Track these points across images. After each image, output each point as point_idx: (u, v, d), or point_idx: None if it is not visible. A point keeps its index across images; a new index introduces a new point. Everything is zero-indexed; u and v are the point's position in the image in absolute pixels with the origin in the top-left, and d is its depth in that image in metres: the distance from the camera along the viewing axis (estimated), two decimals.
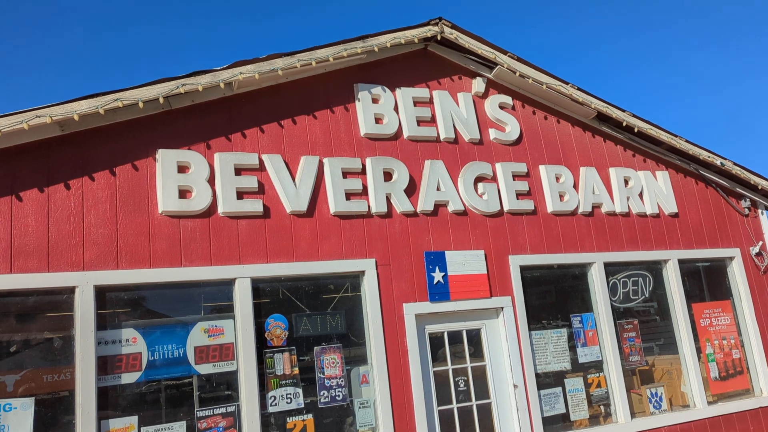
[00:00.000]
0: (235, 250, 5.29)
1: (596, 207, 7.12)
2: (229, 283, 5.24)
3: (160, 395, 4.87)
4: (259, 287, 5.37)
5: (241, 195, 5.39)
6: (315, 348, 5.49)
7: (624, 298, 7.07)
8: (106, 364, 4.69)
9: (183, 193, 5.17)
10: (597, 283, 6.88)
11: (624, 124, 7.39)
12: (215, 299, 5.25)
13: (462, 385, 6.03)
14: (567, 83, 7.14)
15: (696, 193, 7.89)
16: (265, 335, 5.32)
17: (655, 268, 7.41)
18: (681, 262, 7.46)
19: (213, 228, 5.24)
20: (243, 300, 5.21)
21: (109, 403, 4.64)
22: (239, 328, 5.16)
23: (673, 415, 6.83)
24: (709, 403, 7.10)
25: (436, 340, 6.04)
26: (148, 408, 4.78)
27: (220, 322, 5.18)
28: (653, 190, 7.49)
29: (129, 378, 4.75)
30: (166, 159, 5.16)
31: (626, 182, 7.38)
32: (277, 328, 5.40)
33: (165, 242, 5.04)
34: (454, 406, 5.92)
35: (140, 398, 4.78)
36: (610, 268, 7.05)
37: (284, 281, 5.51)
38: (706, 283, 7.79)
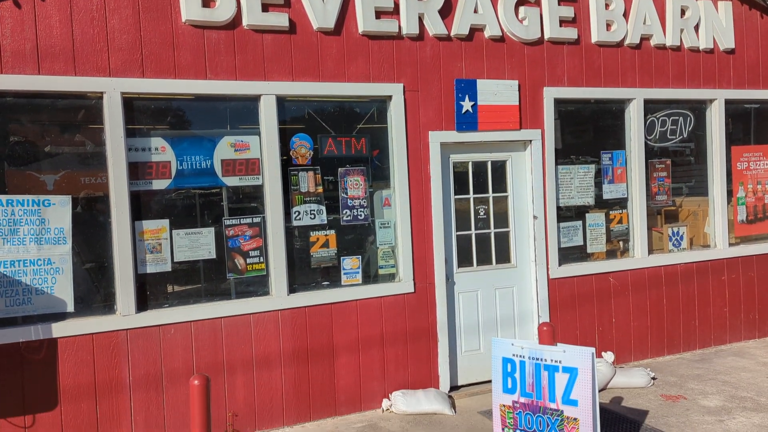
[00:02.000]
0: (260, 66, 5.21)
1: (645, 39, 6.65)
2: (254, 99, 5.24)
3: (189, 203, 5.13)
4: (284, 105, 5.36)
5: (266, 7, 5.18)
6: (339, 169, 5.59)
7: (660, 137, 6.85)
8: (137, 170, 4.90)
9: (206, 2, 4.99)
10: (634, 120, 6.64)
11: None
12: (241, 115, 5.29)
13: (482, 214, 6.15)
14: None
15: (759, 28, 7.25)
16: (290, 153, 5.41)
17: (698, 108, 7.07)
18: (728, 102, 7.08)
19: (238, 41, 5.13)
20: (268, 117, 5.23)
21: (141, 206, 4.92)
22: (264, 144, 5.25)
23: (691, 253, 6.92)
24: (731, 244, 7.13)
25: (460, 170, 6.06)
26: (179, 213, 5.06)
27: (246, 138, 5.27)
28: (711, 23, 6.89)
29: (160, 185, 4.98)
30: None
31: (683, 12, 6.79)
32: (302, 147, 5.47)
33: (190, 53, 4.98)
34: (473, 232, 6.10)
35: (171, 204, 5.05)
36: (650, 106, 6.76)
37: (310, 101, 5.48)
38: (757, 127, 7.44)
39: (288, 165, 5.40)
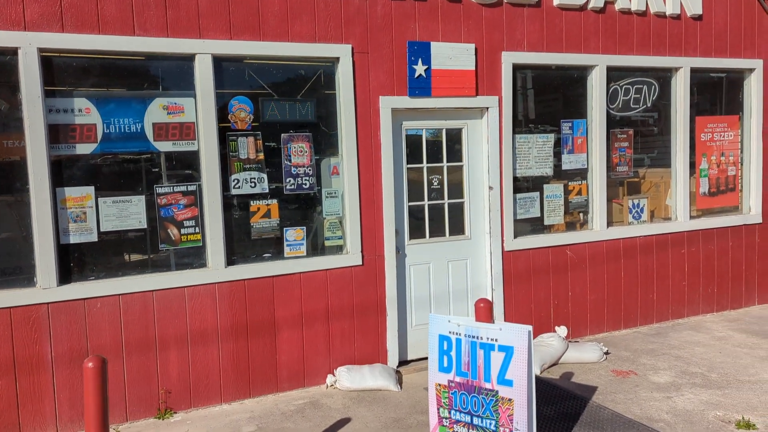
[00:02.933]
0: (194, 22, 4.85)
1: (609, 3, 6.36)
2: (188, 59, 4.89)
3: (117, 169, 4.80)
4: (222, 66, 5.02)
5: None
6: (282, 135, 5.29)
7: (623, 106, 6.62)
8: (58, 133, 4.56)
9: None
10: (596, 87, 6.39)
11: None
12: (174, 75, 4.94)
13: (436, 184, 5.91)
14: None
15: None
16: (229, 117, 5.09)
17: (663, 77, 6.83)
18: (694, 71, 6.85)
19: None
20: (204, 78, 4.90)
21: (63, 172, 4.60)
22: (200, 107, 4.93)
23: (651, 226, 6.75)
24: (692, 217, 6.99)
25: (412, 138, 5.79)
26: (106, 180, 4.74)
27: (180, 100, 4.93)
28: None
29: (84, 149, 4.65)
30: None
31: None
32: (241, 111, 5.15)
33: (115, 6, 4.60)
34: (426, 202, 5.86)
35: (97, 170, 4.72)
36: (614, 73, 6.51)
37: (250, 61, 5.14)
38: (723, 97, 7.23)
39: (226, 130, 5.08)
